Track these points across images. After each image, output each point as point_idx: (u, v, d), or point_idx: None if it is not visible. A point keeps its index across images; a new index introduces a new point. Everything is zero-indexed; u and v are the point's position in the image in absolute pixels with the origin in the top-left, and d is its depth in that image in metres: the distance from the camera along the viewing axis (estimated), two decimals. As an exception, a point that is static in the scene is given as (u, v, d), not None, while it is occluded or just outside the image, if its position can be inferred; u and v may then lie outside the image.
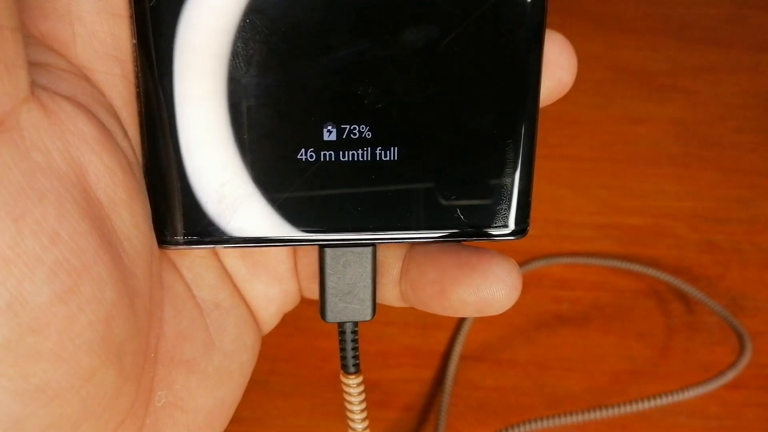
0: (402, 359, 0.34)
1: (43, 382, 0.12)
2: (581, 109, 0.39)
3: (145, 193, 0.15)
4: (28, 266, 0.12)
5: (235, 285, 0.19)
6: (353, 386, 0.19)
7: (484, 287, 0.17)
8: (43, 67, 0.14)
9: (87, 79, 0.14)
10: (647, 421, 0.31)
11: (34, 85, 0.13)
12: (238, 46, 0.15)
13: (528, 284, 0.36)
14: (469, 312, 0.17)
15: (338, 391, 0.33)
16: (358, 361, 0.19)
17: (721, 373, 0.31)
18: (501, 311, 0.17)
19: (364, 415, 0.19)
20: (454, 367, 0.34)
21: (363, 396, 0.19)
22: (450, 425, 0.33)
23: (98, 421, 0.14)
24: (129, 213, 0.14)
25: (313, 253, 0.19)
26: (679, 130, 0.40)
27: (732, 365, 0.31)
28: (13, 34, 0.11)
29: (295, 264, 0.19)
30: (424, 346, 0.34)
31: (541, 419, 0.29)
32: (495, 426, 0.33)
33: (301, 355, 0.33)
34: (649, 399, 0.29)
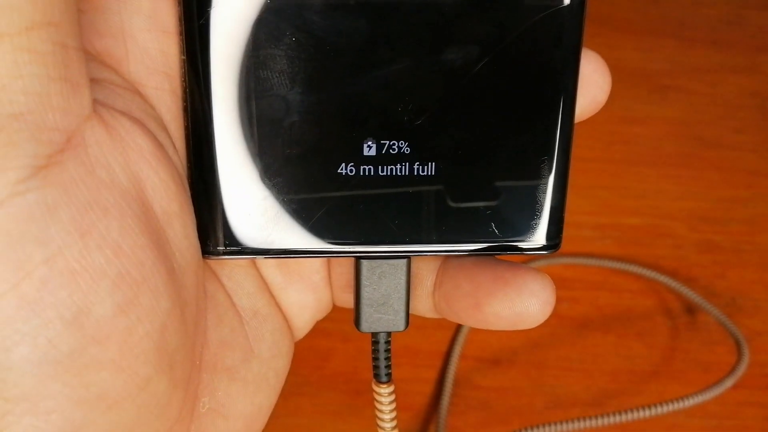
0: (402, 359, 0.34)
1: (102, 390, 0.13)
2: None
3: (192, 205, 0.16)
4: (93, 279, 0.12)
5: (271, 293, 0.19)
6: (385, 395, 0.19)
7: (519, 302, 0.17)
8: (100, 83, 0.14)
9: (139, 94, 0.15)
10: (646, 419, 0.31)
11: (94, 101, 0.13)
12: (282, 64, 0.15)
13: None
14: (503, 325, 0.17)
15: (338, 391, 0.33)
16: (390, 371, 0.19)
17: (718, 381, 0.31)
18: (534, 325, 0.17)
19: (395, 423, 0.20)
20: (454, 366, 0.34)
21: (394, 405, 0.20)
22: (450, 425, 0.33)
23: (150, 427, 0.14)
24: (181, 225, 0.15)
25: (346, 263, 0.19)
26: (679, 130, 0.40)
27: (730, 372, 0.31)
28: (77, 53, 0.12)
29: (329, 273, 0.20)
30: (425, 345, 0.34)
31: (545, 425, 0.29)
32: (495, 425, 0.33)
33: (301, 354, 0.33)
34: (643, 409, 0.29)
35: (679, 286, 0.36)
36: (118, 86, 0.14)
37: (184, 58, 0.15)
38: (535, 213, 0.17)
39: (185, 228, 0.15)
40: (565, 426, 0.30)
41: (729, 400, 0.33)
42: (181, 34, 0.15)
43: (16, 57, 0.11)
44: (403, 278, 0.18)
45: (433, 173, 0.16)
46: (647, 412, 0.29)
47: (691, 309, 0.36)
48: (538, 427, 0.30)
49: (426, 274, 0.19)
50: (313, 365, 0.33)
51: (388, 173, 0.16)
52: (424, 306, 0.19)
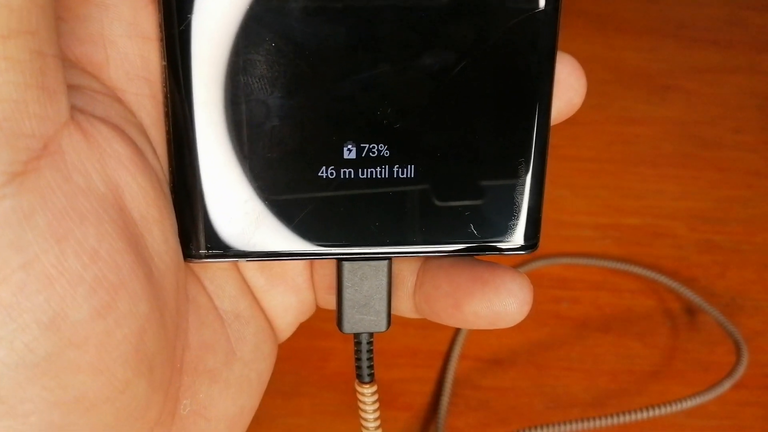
0: (402, 359, 0.34)
1: (81, 393, 0.13)
2: (581, 110, 0.39)
3: (173, 209, 0.16)
4: (70, 284, 0.12)
5: (254, 295, 0.19)
6: (368, 395, 0.20)
7: (497, 301, 0.17)
8: (79, 89, 0.14)
9: (119, 100, 0.15)
10: (646, 419, 0.31)
11: (72, 108, 0.13)
12: (262, 69, 0.16)
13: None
14: (482, 324, 0.18)
15: (338, 391, 0.33)
16: (372, 371, 0.20)
17: (717, 383, 0.31)
18: (512, 324, 0.17)
19: (378, 423, 0.20)
20: (453, 366, 0.34)
21: (377, 405, 0.20)
22: (450, 425, 0.33)
23: (130, 429, 0.14)
24: (160, 230, 0.15)
25: (329, 264, 0.19)
26: (678, 130, 0.40)
27: (729, 374, 0.31)
28: (55, 60, 0.12)
29: (312, 275, 0.20)
30: (424, 345, 0.34)
31: (546, 426, 0.29)
32: (495, 425, 0.33)
33: (301, 354, 0.33)
34: (641, 411, 0.29)
35: (679, 286, 0.36)
36: (98, 92, 0.15)
37: (165, 63, 0.15)
38: (513, 214, 0.17)
39: (164, 232, 0.15)
40: (565, 427, 0.30)
41: (729, 400, 0.33)
42: (161, 40, 0.15)
43: None
44: (384, 279, 0.18)
45: (412, 176, 0.17)
46: (646, 414, 0.29)
47: (691, 309, 0.36)
48: (538, 427, 0.30)
49: (407, 274, 0.19)
50: (313, 365, 0.33)
51: (368, 176, 0.17)
52: (405, 306, 0.19)
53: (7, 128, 0.11)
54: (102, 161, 0.13)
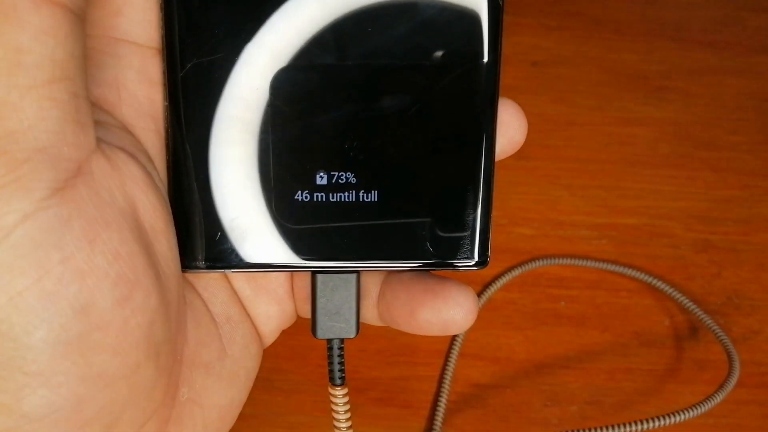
0: (401, 357, 0.34)
1: (102, 370, 0.15)
2: (578, 111, 0.39)
3: (173, 224, 0.18)
4: (98, 278, 0.15)
5: (242, 303, 0.22)
6: (339, 397, 0.22)
7: (445, 311, 0.20)
8: (100, 123, 0.17)
9: (130, 133, 0.18)
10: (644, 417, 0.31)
11: (97, 138, 0.16)
12: (250, 109, 0.18)
13: (526, 283, 0.37)
14: (434, 331, 0.20)
15: (339, 389, 0.33)
16: (343, 375, 0.22)
17: (709, 396, 0.31)
18: (461, 331, 0.20)
19: (349, 423, 0.22)
20: (453, 364, 0.34)
21: (348, 406, 0.22)
22: (449, 422, 0.33)
23: (138, 407, 0.17)
24: (165, 239, 0.17)
25: (307, 277, 0.22)
26: (675, 131, 0.41)
27: (720, 386, 0.32)
28: (85, 101, 0.15)
29: (292, 287, 0.22)
30: (423, 344, 0.35)
31: None
32: (493, 423, 0.33)
33: (302, 353, 0.34)
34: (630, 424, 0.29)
35: (674, 293, 0.36)
36: (113, 126, 0.17)
37: (167, 104, 0.18)
38: (464, 235, 0.20)
39: (168, 242, 0.18)
40: None
41: (727, 398, 0.33)
42: (164, 84, 0.18)
43: (41, 104, 0.14)
44: (353, 290, 0.21)
45: (375, 199, 0.19)
46: (640, 427, 0.30)
47: (687, 308, 0.37)
48: None
49: (372, 287, 0.21)
50: (315, 363, 0.34)
51: (338, 199, 0.19)
52: (370, 315, 0.22)
53: (51, 153, 0.14)
54: (122, 180, 0.16)
